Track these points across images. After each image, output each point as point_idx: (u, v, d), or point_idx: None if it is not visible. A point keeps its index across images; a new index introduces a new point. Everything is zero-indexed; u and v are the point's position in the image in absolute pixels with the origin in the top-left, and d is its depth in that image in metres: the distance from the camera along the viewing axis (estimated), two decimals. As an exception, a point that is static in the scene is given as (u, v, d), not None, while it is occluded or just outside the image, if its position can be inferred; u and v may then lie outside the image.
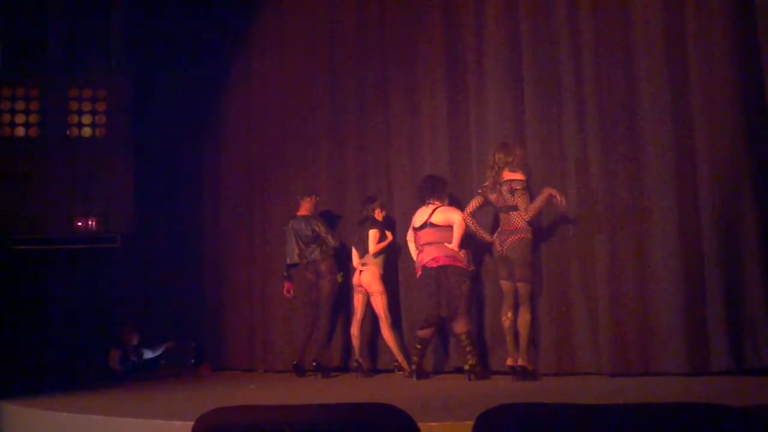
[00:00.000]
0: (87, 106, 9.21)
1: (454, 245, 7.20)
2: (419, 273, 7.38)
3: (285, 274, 8.57)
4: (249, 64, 9.91)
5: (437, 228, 7.28)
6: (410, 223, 7.51)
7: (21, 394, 7.17)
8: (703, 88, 6.31)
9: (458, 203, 7.58)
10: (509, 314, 6.79)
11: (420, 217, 7.41)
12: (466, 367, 7.05)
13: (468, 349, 7.07)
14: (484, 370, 7.16)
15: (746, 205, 6.11)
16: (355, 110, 8.79)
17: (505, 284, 6.86)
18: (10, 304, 9.03)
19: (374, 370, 8.18)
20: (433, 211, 7.33)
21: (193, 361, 9.78)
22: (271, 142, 9.55)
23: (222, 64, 10.03)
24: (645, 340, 6.50)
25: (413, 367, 7.40)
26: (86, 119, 9.22)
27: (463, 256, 7.28)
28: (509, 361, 6.80)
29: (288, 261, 8.47)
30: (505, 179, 6.83)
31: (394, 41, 8.54)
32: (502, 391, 6.35)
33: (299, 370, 8.26)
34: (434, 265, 7.22)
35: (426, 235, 7.31)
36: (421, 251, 7.35)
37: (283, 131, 9.42)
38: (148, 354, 9.84)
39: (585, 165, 6.97)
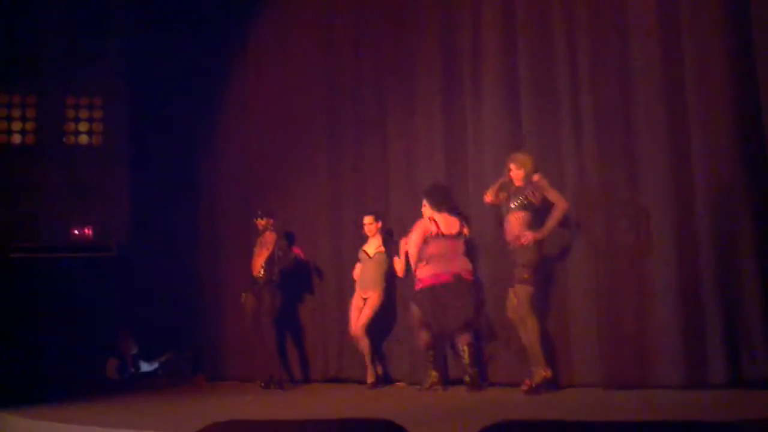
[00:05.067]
0: (84, 114, 9.20)
1: None
2: (449, 280, 7.25)
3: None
4: (246, 76, 9.91)
5: (466, 239, 7.40)
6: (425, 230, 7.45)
7: (17, 404, 7.14)
8: (699, 99, 6.30)
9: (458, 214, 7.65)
10: None
11: (449, 224, 7.38)
12: (467, 379, 7.03)
13: (468, 361, 7.05)
14: (483, 382, 7.14)
15: (743, 218, 6.11)
16: (353, 126, 8.81)
17: None
18: (6, 312, 8.99)
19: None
20: (463, 221, 7.42)
21: (189, 371, 9.74)
22: (268, 151, 9.56)
23: (220, 75, 10.03)
24: (642, 354, 6.48)
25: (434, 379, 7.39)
26: (83, 127, 9.21)
27: None
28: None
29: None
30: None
31: (391, 56, 8.56)
32: (501, 403, 6.32)
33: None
34: (470, 277, 7.29)
35: (460, 244, 7.37)
36: (454, 258, 7.31)
37: (280, 143, 9.43)
38: (145, 366, 9.80)
39: (582, 175, 6.97)
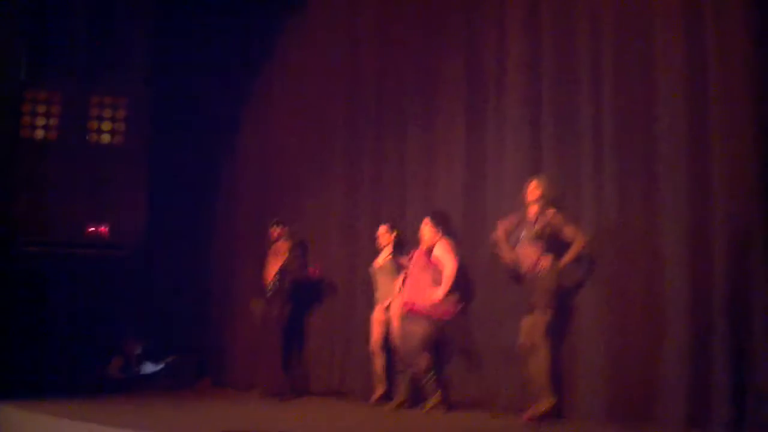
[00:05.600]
0: (107, 113, 9.25)
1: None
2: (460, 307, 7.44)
3: None
4: (269, 84, 9.92)
5: None
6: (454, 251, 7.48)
7: (21, 397, 7.16)
8: (721, 129, 6.27)
9: (470, 234, 7.71)
10: None
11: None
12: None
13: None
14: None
15: (758, 259, 6.09)
16: (372, 135, 8.81)
17: None
18: (16, 305, 9.02)
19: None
20: None
21: (193, 374, 9.73)
22: (287, 162, 9.57)
23: (242, 83, 10.06)
24: (646, 390, 6.45)
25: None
26: (106, 126, 9.25)
27: None
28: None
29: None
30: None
31: (414, 71, 8.57)
32: (502, 429, 6.31)
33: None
34: None
35: None
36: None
37: (299, 153, 9.44)
38: (149, 367, 9.80)
39: (599, 204, 6.96)
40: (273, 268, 8.65)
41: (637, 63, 6.87)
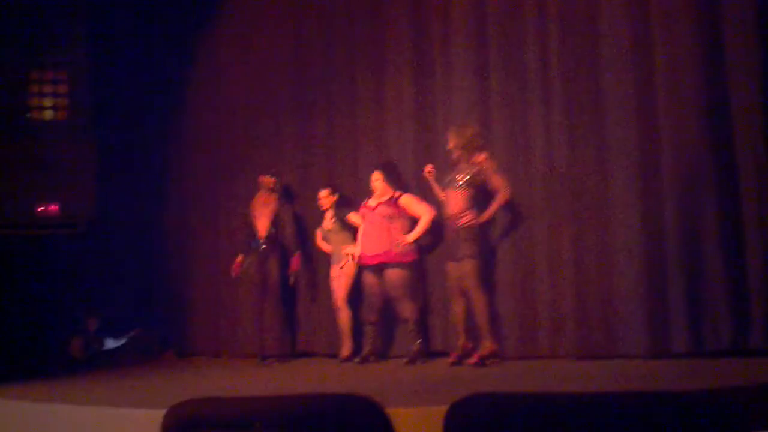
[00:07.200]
0: (48, 89, 8.98)
1: None
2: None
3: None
4: (217, 44, 9.76)
5: None
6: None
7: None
8: (668, 78, 6.40)
9: (420, 185, 7.71)
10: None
11: None
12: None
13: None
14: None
15: (707, 192, 6.22)
16: (322, 99, 8.73)
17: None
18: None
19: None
20: None
21: (157, 347, 9.67)
22: (236, 128, 9.45)
23: (189, 46, 9.88)
24: (607, 324, 6.60)
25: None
26: (47, 102, 8.99)
27: None
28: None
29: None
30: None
31: (361, 29, 8.51)
32: (469, 377, 6.38)
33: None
34: None
35: None
36: None
37: (248, 119, 9.32)
38: (111, 343, 9.70)
39: (550, 150, 7.04)
40: (265, 219, 8.38)
41: (582, 7, 6.92)
